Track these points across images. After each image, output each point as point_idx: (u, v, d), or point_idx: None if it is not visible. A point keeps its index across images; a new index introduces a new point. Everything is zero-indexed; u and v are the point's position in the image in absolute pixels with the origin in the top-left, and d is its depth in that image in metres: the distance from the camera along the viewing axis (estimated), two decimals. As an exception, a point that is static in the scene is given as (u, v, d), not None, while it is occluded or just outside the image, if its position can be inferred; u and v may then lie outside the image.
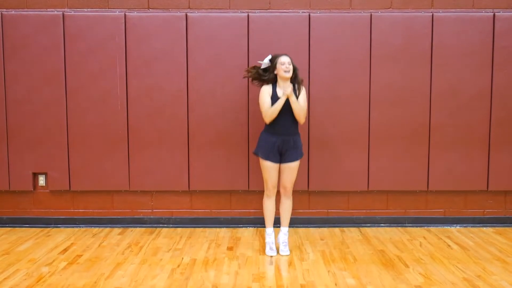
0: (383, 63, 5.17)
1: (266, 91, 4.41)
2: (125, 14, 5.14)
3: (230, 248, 4.68)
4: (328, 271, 4.08)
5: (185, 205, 5.40)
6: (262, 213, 4.80)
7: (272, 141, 4.39)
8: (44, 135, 5.22)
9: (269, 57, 4.48)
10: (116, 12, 5.17)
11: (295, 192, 5.00)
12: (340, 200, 5.39)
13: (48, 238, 5.00)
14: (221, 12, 5.20)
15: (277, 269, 4.16)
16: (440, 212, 5.41)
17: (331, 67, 5.18)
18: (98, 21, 5.14)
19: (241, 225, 5.39)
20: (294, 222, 5.28)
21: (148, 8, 5.23)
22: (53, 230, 5.27)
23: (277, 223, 4.70)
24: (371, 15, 5.15)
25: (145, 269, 4.13)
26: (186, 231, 5.25)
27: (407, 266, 4.20)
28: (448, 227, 5.37)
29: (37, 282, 3.86)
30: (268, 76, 4.45)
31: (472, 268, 4.15)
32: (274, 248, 4.53)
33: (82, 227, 5.37)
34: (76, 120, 5.22)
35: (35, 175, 5.35)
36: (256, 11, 5.18)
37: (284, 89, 4.27)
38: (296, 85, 4.41)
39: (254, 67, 4.58)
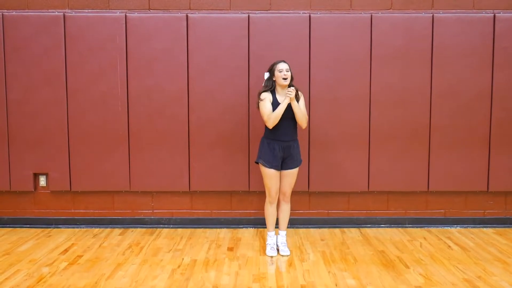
0: (384, 64, 5.18)
1: (267, 97, 4.41)
2: (125, 15, 5.14)
3: (230, 249, 4.69)
4: (329, 272, 4.08)
5: (186, 205, 5.41)
6: (262, 213, 4.81)
7: (274, 148, 4.40)
8: (44, 135, 5.23)
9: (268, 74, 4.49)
10: (116, 13, 5.17)
11: (295, 193, 5.00)
12: (341, 200, 5.39)
13: (49, 239, 5.01)
14: (221, 13, 5.21)
15: (278, 270, 4.16)
16: (440, 213, 5.41)
17: (332, 68, 5.18)
18: (99, 21, 5.15)
19: (242, 226, 5.39)
20: (295, 223, 5.29)
21: (149, 8, 5.23)
22: (53, 231, 5.28)
23: (275, 225, 4.70)
24: (371, 15, 5.15)
25: (146, 270, 4.14)
26: (187, 231, 5.25)
27: (407, 266, 4.20)
28: (449, 227, 5.37)
29: (38, 282, 3.86)
30: (270, 83, 4.46)
31: (472, 268, 4.15)
32: (275, 248, 4.55)
33: (83, 227, 5.38)
34: (76, 121, 5.22)
35: (36, 176, 5.36)
36: (257, 11, 5.19)
37: (288, 93, 4.28)
38: (297, 90, 4.42)
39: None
